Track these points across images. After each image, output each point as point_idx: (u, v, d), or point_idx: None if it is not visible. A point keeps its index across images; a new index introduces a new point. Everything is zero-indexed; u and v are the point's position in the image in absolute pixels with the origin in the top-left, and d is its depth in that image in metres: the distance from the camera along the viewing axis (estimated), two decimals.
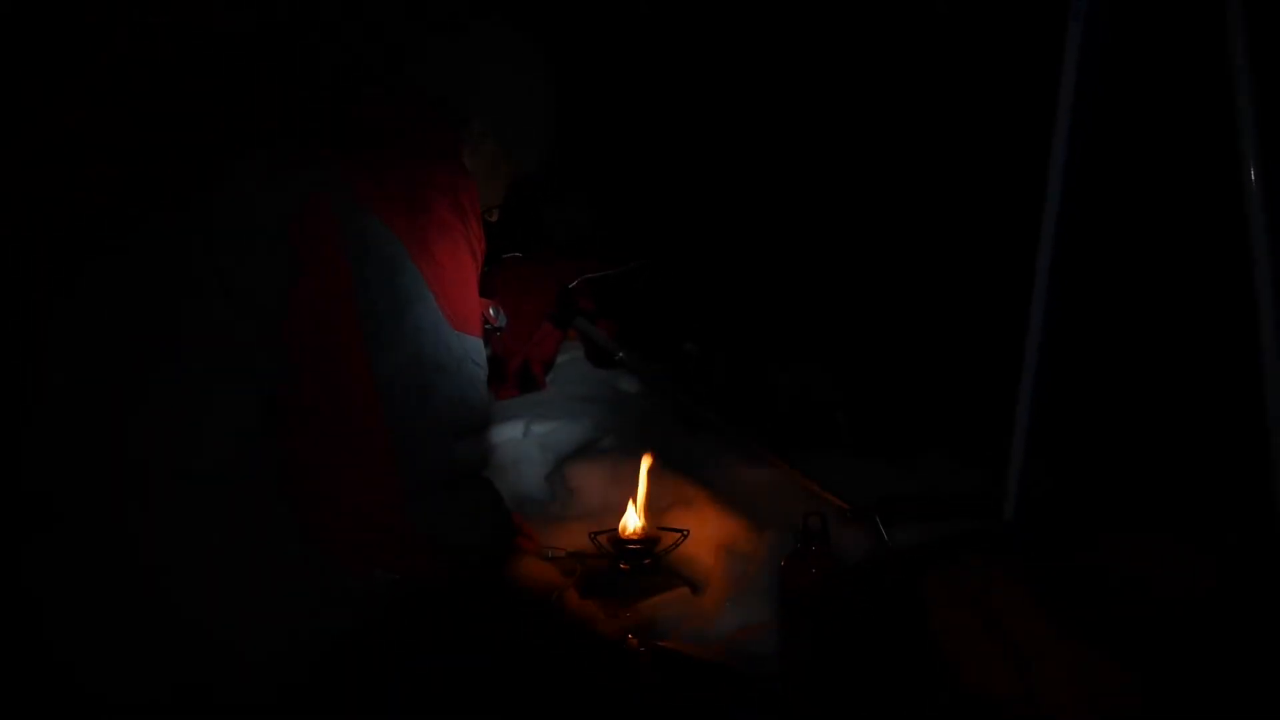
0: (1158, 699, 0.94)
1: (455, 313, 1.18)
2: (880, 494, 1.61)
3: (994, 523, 1.53)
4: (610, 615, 1.43)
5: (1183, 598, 1.05)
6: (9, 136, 1.28)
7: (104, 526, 1.07)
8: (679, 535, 1.59)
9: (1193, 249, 1.71)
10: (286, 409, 1.10)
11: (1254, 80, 1.19)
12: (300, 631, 1.11)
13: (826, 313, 2.38)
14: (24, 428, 1.13)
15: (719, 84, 2.40)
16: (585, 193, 2.39)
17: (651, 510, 1.61)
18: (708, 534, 1.60)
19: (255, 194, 1.15)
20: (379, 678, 1.11)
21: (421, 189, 1.19)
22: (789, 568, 1.32)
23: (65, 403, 1.11)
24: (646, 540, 1.56)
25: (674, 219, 2.46)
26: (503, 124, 1.39)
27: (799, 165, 2.39)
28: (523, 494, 1.90)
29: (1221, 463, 1.46)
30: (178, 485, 1.08)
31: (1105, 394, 1.81)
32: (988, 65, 2.07)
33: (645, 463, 1.62)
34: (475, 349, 1.22)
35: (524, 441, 1.99)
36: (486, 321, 1.50)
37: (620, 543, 1.56)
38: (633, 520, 1.58)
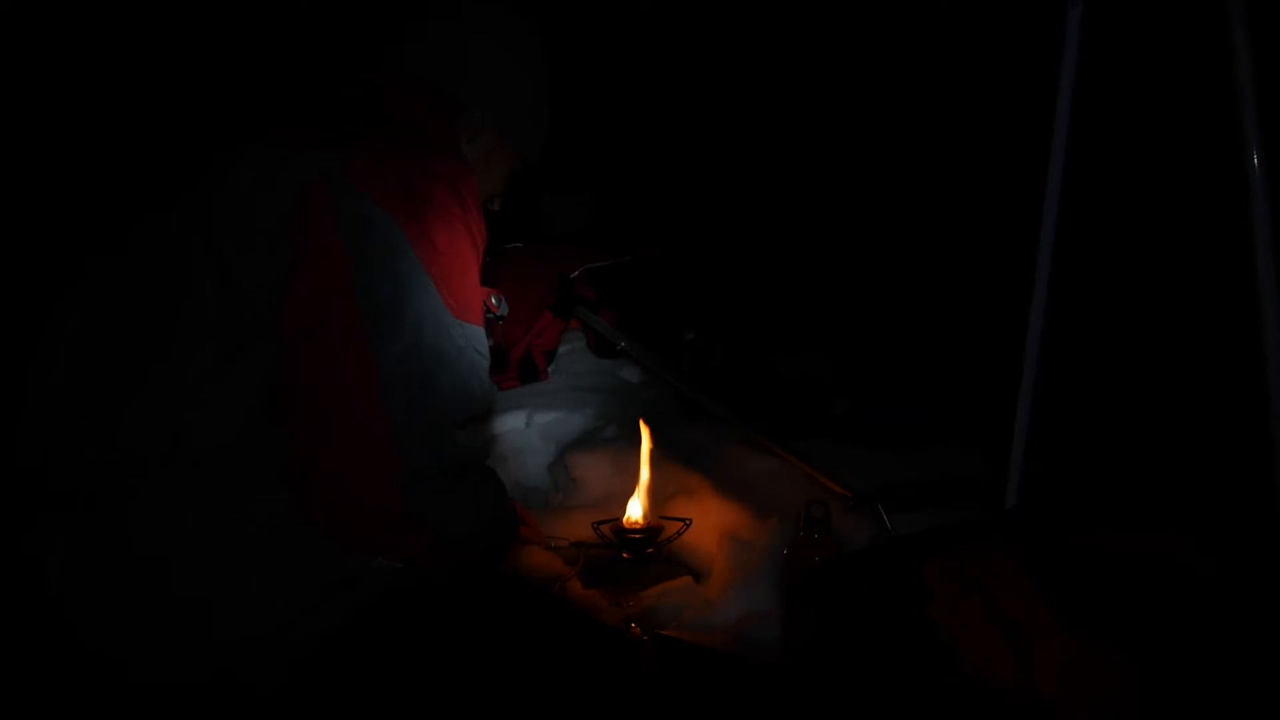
0: (1158, 688, 0.94)
1: (456, 301, 1.17)
2: (881, 482, 1.62)
3: (995, 510, 1.53)
4: (613, 604, 1.43)
5: (1184, 587, 1.05)
6: (11, 135, 1.27)
7: (105, 514, 1.08)
8: (681, 524, 1.59)
9: (1195, 240, 1.70)
10: (286, 396, 1.11)
11: (1256, 74, 1.19)
12: (301, 618, 1.11)
13: (827, 301, 2.38)
14: (27, 419, 1.13)
15: (720, 78, 2.40)
16: (586, 184, 2.39)
17: (654, 499, 1.62)
18: (710, 523, 1.61)
19: (253, 183, 1.14)
20: (378, 666, 1.11)
21: (421, 176, 1.17)
22: (791, 555, 1.33)
23: (67, 393, 1.12)
24: (649, 529, 1.56)
25: (676, 210, 2.46)
26: (501, 112, 1.38)
27: (801, 156, 2.39)
28: (525, 483, 1.90)
29: (1223, 452, 1.47)
30: (178, 473, 1.08)
31: (1107, 382, 1.81)
32: (989, 61, 2.07)
33: (645, 441, 1.62)
34: (476, 337, 1.21)
35: (526, 431, 2.00)
36: (489, 310, 1.50)
37: (623, 532, 1.56)
38: (635, 509, 1.58)
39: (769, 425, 1.91)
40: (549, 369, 2.16)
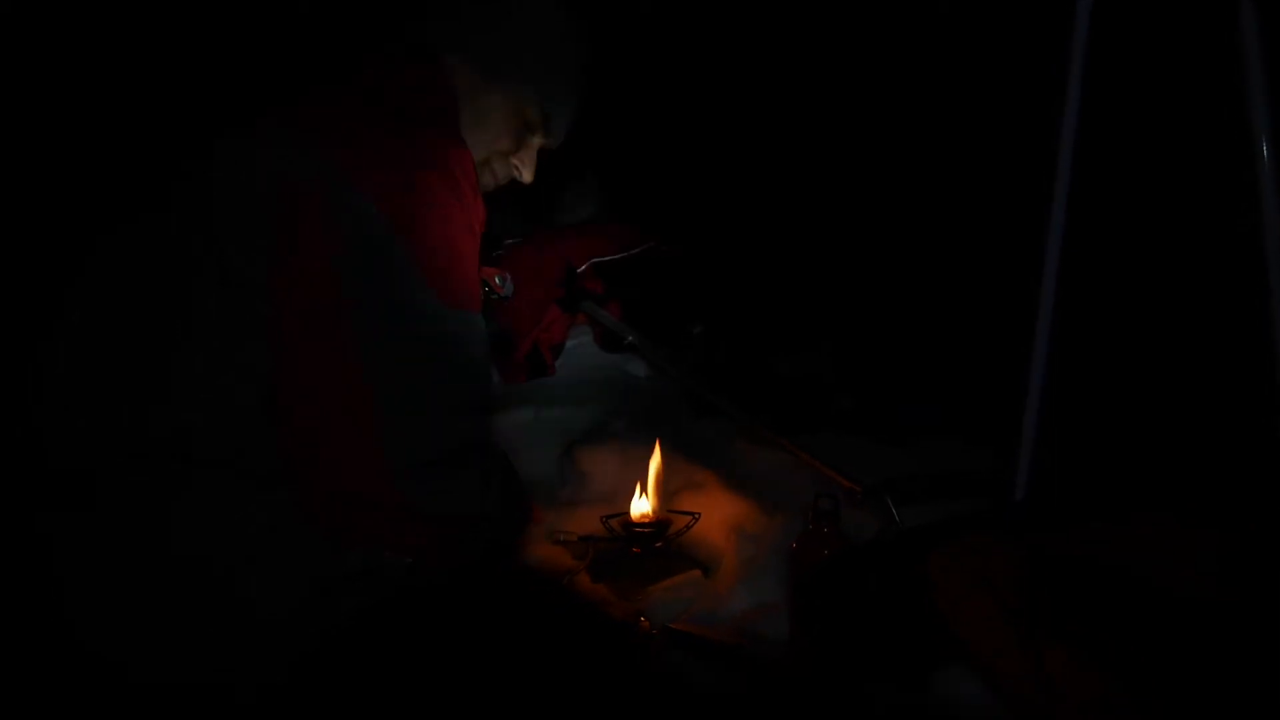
0: (1163, 683, 0.95)
1: (450, 289, 1.15)
2: (888, 475, 1.62)
3: (1003, 503, 1.53)
4: (622, 598, 1.44)
5: (1191, 583, 1.05)
6: (10, 133, 1.27)
7: (105, 514, 1.08)
8: (690, 518, 1.60)
9: (1204, 234, 1.70)
10: (284, 395, 1.10)
11: (1265, 70, 1.19)
12: (303, 616, 1.11)
13: (833, 294, 2.38)
14: (27, 418, 1.13)
15: (724, 75, 2.39)
16: (594, 177, 2.39)
17: (662, 494, 1.62)
18: (718, 517, 1.61)
19: (249, 181, 1.12)
20: (383, 662, 1.11)
21: (411, 166, 1.15)
22: (800, 549, 1.33)
23: (67, 393, 1.12)
24: (658, 524, 1.57)
25: (682, 204, 2.46)
26: (485, 52, 1.30)
27: (806, 151, 2.39)
28: (533, 478, 1.90)
29: (1232, 449, 1.47)
30: (179, 472, 1.08)
31: (1116, 377, 1.81)
32: (990, 58, 2.07)
33: (655, 459, 1.62)
34: (472, 323, 1.19)
35: (534, 425, 2.00)
36: (493, 290, 1.46)
37: (631, 526, 1.57)
38: (643, 504, 1.59)
39: (775, 419, 1.91)
40: (556, 363, 2.16)
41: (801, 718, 1.18)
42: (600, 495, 1.75)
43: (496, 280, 1.43)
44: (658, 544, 1.56)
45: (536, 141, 1.38)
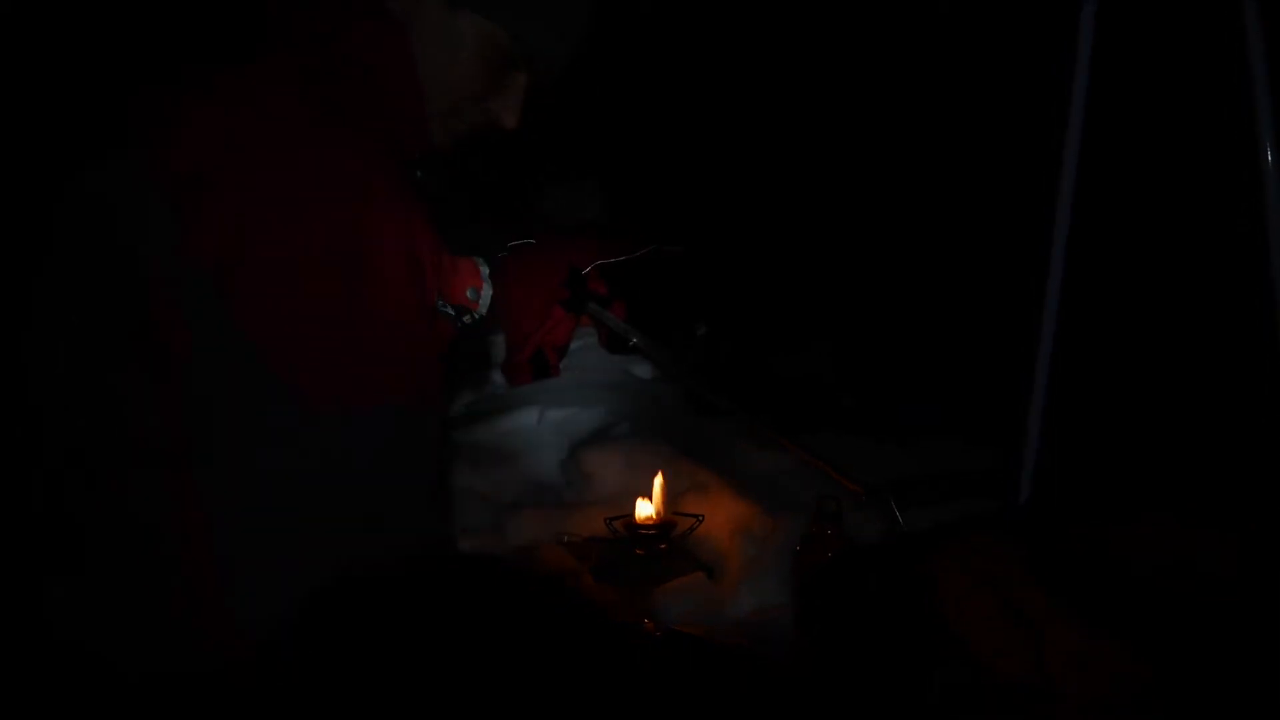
0: (1165, 681, 0.95)
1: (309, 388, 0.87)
2: (891, 476, 1.62)
3: (1007, 503, 1.53)
4: (626, 600, 1.44)
5: (1192, 583, 1.05)
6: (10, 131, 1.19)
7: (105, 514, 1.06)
8: (694, 520, 1.60)
9: (1209, 232, 1.70)
10: None
11: (1269, 70, 1.19)
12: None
13: (835, 294, 2.38)
14: (26, 416, 1.12)
15: (725, 75, 2.40)
16: (595, 178, 2.39)
17: (666, 495, 1.62)
18: (722, 519, 1.62)
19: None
20: (383, 659, 1.11)
21: (288, 216, 0.85)
22: (803, 550, 1.33)
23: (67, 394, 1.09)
24: (661, 525, 1.57)
25: (684, 205, 2.47)
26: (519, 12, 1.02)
27: (808, 151, 2.39)
28: (538, 480, 1.91)
29: (1234, 449, 1.46)
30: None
31: (1120, 376, 1.81)
32: (991, 59, 2.07)
33: (657, 481, 1.62)
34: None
35: (539, 428, 2.01)
36: (465, 307, 1.24)
37: (635, 528, 1.57)
38: (647, 506, 1.59)
39: (778, 420, 1.91)
40: (560, 365, 2.17)
41: (801, 718, 1.18)
42: (604, 497, 1.76)
43: (468, 294, 1.19)
44: (662, 546, 1.56)
45: (520, 80, 1.09)
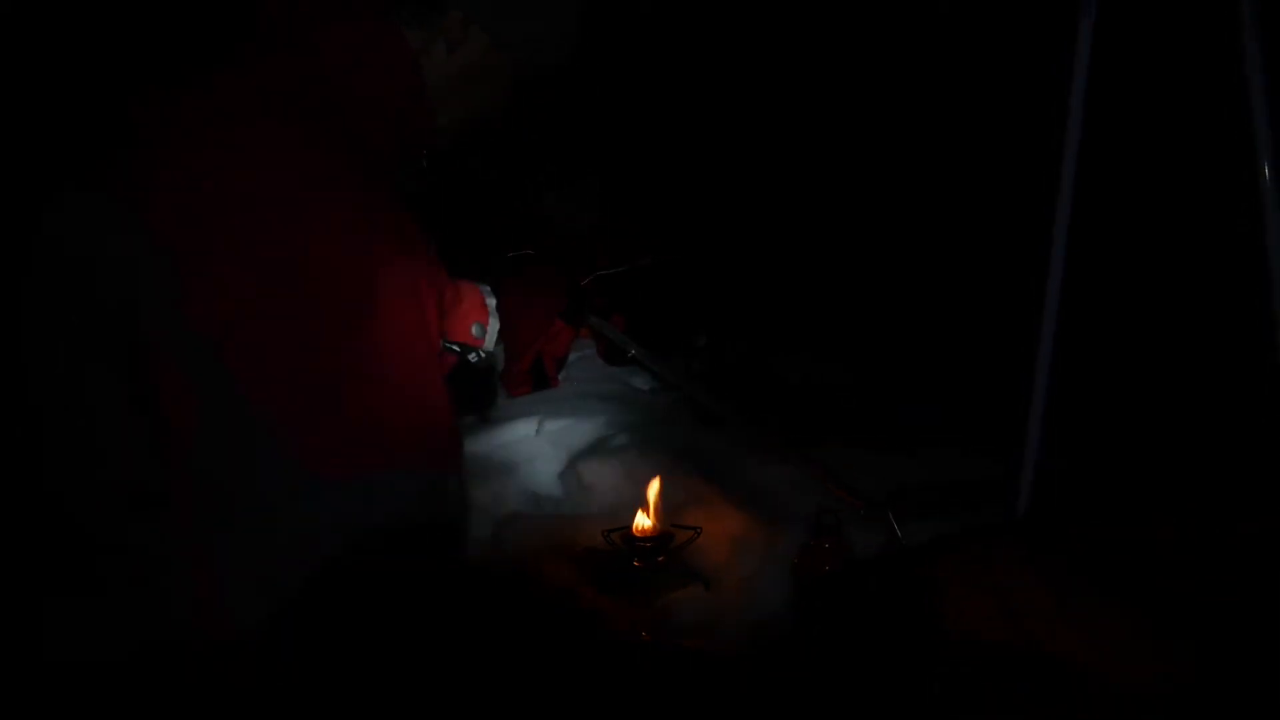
0: (1164, 683, 0.94)
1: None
2: (892, 487, 1.61)
3: (1008, 512, 1.52)
4: (624, 612, 1.43)
5: (1192, 584, 1.05)
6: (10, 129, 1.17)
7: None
8: (692, 532, 1.59)
9: (1206, 236, 1.70)
10: None
11: (1266, 71, 1.19)
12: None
13: (836, 304, 2.38)
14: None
15: (725, 78, 2.40)
16: (594, 183, 2.39)
17: (665, 507, 1.61)
18: (721, 530, 1.61)
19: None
20: (375, 670, 1.10)
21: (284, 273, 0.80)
22: (802, 561, 1.33)
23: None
24: (660, 537, 1.56)
25: (684, 212, 2.46)
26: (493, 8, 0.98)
27: (809, 156, 2.38)
28: (536, 491, 1.90)
29: (1234, 450, 1.45)
30: None
31: (1119, 383, 1.80)
32: (991, 60, 2.07)
33: (654, 486, 1.61)
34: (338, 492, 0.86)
35: (537, 439, 2.00)
36: (466, 348, 1.20)
37: (633, 540, 1.56)
38: (645, 519, 1.58)
39: (779, 430, 1.90)
40: (560, 376, 2.16)
41: (801, 718, 1.17)
42: (603, 509, 1.75)
43: (473, 330, 1.13)
44: (660, 558, 1.55)
45: (504, 73, 1.04)
